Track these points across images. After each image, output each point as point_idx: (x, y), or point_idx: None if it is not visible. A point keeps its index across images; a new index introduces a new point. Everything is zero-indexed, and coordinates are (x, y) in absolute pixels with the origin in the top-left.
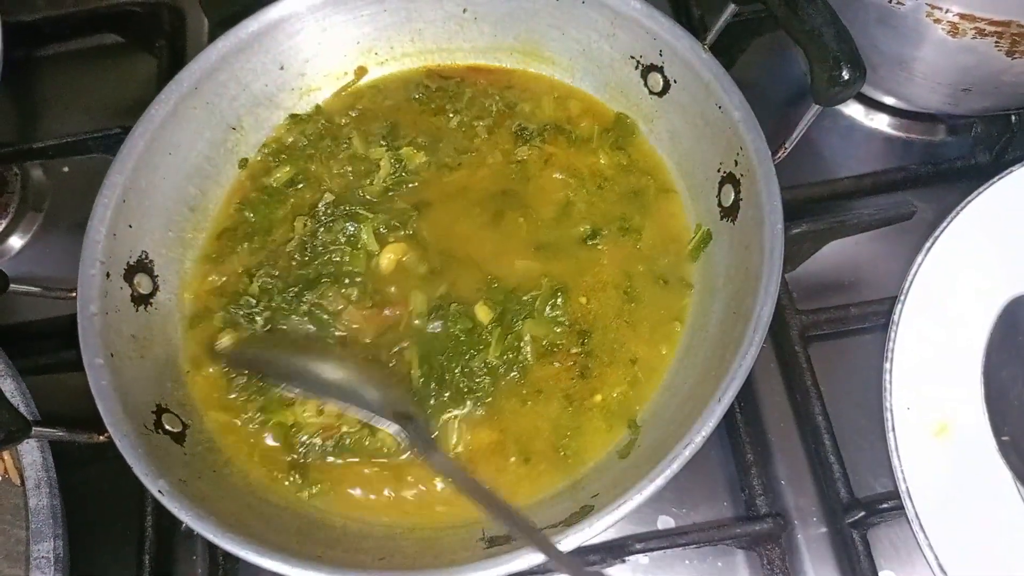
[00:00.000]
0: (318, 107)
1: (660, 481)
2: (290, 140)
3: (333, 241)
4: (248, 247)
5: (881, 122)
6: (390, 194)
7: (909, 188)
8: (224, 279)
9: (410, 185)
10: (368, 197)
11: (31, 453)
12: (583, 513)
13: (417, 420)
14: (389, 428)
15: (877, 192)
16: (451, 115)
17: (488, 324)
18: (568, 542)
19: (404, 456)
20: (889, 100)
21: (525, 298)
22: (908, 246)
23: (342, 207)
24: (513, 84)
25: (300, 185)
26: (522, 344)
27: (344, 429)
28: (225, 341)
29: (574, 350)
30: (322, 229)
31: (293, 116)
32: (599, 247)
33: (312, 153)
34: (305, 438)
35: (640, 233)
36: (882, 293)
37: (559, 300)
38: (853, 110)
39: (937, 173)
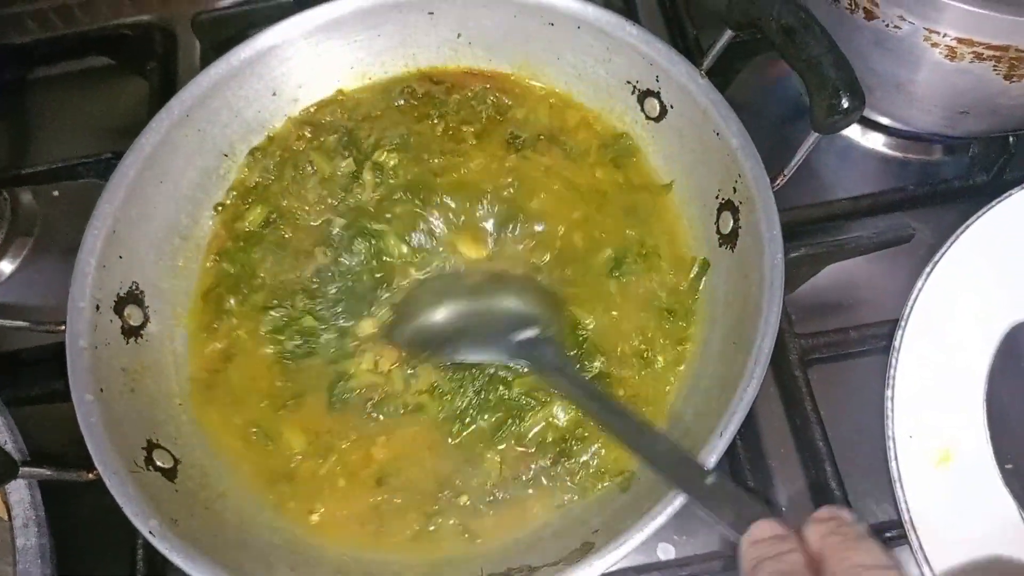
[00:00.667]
0: (270, 137)
1: (662, 518)
2: (255, 180)
3: (360, 262)
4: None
5: (878, 142)
6: (385, 203)
7: (907, 209)
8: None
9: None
10: (369, 209)
11: (19, 491)
12: (584, 550)
13: (542, 341)
14: (518, 366)
15: (875, 213)
16: (435, 121)
17: None
18: None
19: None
20: (886, 121)
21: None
22: (906, 267)
23: (351, 229)
24: (507, 89)
25: (278, 223)
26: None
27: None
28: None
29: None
30: (344, 253)
31: (252, 152)
32: (623, 280)
33: (278, 189)
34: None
35: (659, 257)
36: (881, 315)
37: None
38: (850, 130)
39: (935, 194)
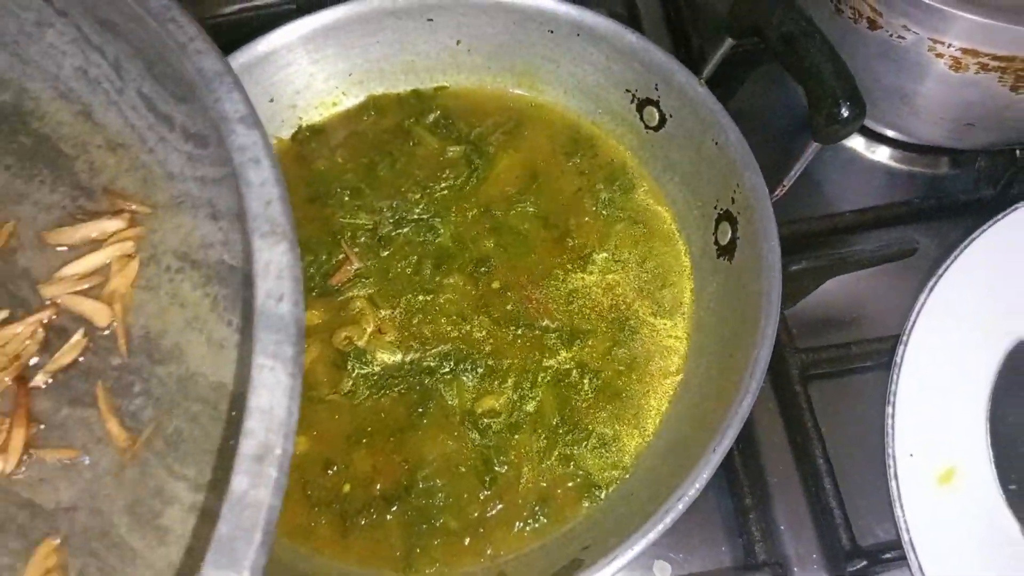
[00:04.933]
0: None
1: (653, 535)
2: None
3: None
4: None
5: (883, 155)
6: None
7: (912, 223)
8: None
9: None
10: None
11: None
12: (573, 567)
13: None
14: None
15: (879, 227)
16: None
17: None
18: None
19: None
20: (891, 133)
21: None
22: (911, 281)
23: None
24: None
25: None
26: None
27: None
28: None
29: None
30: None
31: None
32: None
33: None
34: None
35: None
36: (884, 330)
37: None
38: (854, 143)
39: (940, 207)
